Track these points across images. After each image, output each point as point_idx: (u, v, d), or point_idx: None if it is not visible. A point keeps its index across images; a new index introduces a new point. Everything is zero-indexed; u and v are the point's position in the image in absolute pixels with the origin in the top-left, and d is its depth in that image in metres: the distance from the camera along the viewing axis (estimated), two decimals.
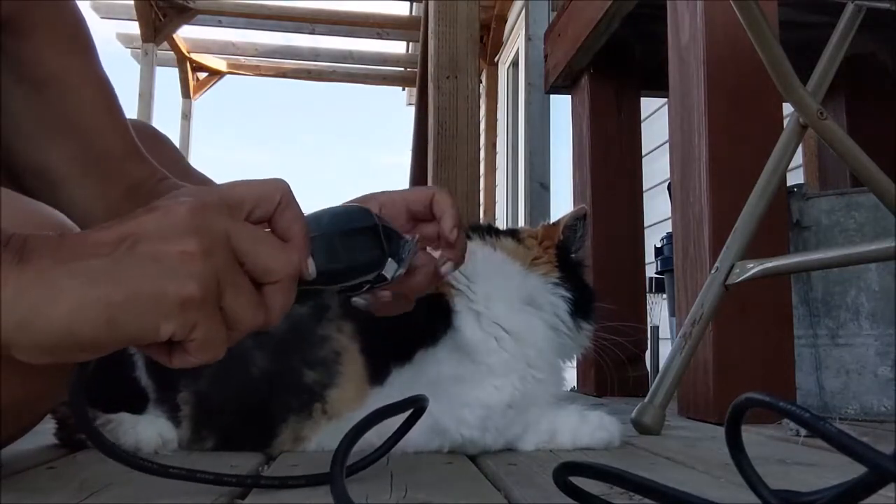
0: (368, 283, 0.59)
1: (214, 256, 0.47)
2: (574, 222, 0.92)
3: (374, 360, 0.82)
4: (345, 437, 0.59)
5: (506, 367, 0.82)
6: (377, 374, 0.82)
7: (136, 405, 0.84)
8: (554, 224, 0.94)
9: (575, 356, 0.95)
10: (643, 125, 2.00)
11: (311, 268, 0.54)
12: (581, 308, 0.90)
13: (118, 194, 0.84)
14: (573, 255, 0.92)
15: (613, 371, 1.78)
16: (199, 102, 6.34)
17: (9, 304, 0.43)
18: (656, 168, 2.41)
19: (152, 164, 0.89)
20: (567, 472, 0.50)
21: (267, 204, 0.53)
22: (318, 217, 0.58)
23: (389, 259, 0.58)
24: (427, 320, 0.80)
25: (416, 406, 0.66)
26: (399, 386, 0.80)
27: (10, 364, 0.48)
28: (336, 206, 0.60)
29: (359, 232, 0.58)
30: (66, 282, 0.44)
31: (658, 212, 2.39)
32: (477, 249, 0.88)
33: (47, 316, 0.44)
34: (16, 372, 0.57)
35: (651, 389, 1.06)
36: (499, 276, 0.86)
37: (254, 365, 0.82)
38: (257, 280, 0.50)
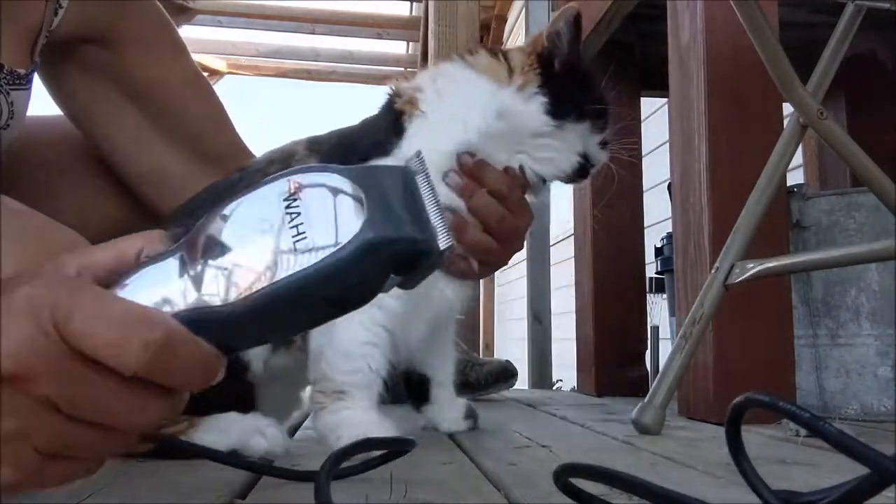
0: None
1: (36, 381, 0.37)
2: (558, 27, 0.88)
3: None
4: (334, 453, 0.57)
5: None
6: None
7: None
8: (539, 33, 0.90)
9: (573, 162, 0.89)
10: (643, 125, 2.00)
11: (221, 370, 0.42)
12: (566, 108, 0.86)
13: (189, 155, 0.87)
14: (558, 65, 0.88)
15: None
16: None
17: None
18: (656, 168, 2.41)
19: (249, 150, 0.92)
20: (567, 473, 0.50)
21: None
22: None
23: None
24: (382, 137, 0.82)
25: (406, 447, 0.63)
26: None
27: None
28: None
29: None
30: None
31: (658, 212, 2.39)
32: (450, 68, 0.88)
33: None
34: None
35: (651, 389, 1.06)
36: (465, 94, 0.86)
37: None
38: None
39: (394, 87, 0.90)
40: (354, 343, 0.80)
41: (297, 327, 0.49)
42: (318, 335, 0.81)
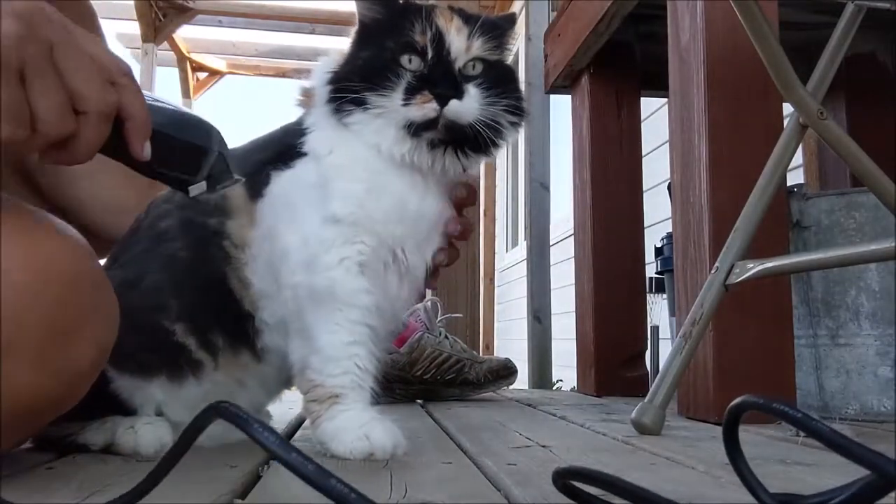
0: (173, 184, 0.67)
1: (26, 45, 0.53)
2: None
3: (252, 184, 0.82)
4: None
5: None
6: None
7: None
8: None
9: None
10: (643, 125, 2.00)
11: (147, 151, 0.61)
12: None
13: (146, 183, 0.87)
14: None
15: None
16: (199, 102, 6.35)
17: None
18: (656, 168, 2.41)
19: None
20: (565, 476, 0.50)
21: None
22: (158, 109, 0.63)
23: (203, 181, 0.65)
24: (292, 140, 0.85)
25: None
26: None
27: (27, 369, 0.48)
28: (178, 110, 0.68)
29: (189, 147, 0.65)
30: None
31: (658, 212, 2.39)
32: None
33: None
34: (31, 374, 0.57)
35: (651, 389, 1.06)
36: None
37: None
38: (73, 104, 0.56)
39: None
40: (338, 345, 0.79)
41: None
42: (298, 348, 0.80)
